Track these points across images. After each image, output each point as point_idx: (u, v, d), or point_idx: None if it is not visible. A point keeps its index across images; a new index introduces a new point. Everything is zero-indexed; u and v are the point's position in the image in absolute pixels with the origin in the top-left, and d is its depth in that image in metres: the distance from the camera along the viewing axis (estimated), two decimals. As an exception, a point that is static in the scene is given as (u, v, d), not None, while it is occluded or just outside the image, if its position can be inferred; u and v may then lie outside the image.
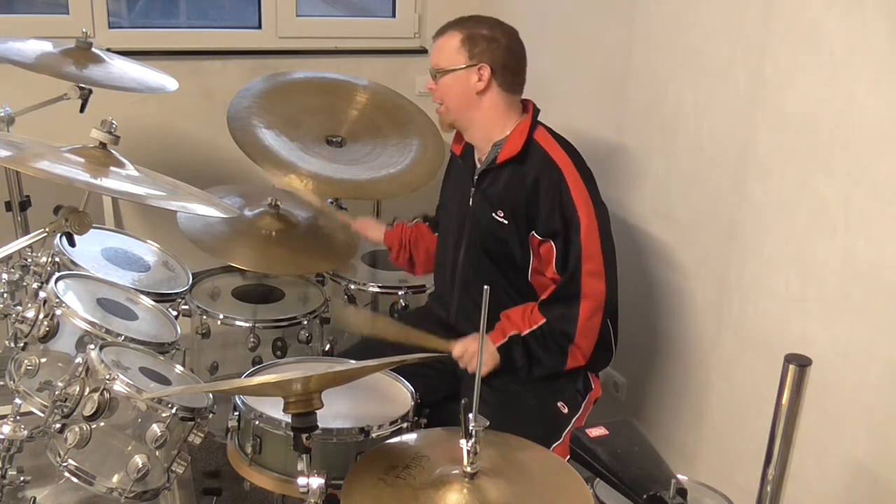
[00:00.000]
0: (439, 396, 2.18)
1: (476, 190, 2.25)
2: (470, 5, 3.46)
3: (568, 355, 2.14)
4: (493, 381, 2.14)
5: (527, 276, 2.21)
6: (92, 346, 1.73)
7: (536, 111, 2.24)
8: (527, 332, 2.14)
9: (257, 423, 1.79)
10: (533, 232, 2.14)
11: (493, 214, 2.19)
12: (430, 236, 2.56)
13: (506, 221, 2.18)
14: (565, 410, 2.17)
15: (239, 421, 1.83)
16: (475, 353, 2.09)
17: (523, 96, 2.26)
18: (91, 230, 1.86)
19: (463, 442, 1.45)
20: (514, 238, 2.18)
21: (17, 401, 1.83)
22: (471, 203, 2.26)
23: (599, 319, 2.13)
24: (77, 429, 1.66)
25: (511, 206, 2.17)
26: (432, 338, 2.15)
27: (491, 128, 2.22)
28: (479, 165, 2.26)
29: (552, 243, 2.11)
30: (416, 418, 1.89)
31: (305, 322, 2.56)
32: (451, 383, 2.24)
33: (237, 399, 1.83)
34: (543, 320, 2.13)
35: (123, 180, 1.83)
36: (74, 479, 1.70)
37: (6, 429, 1.82)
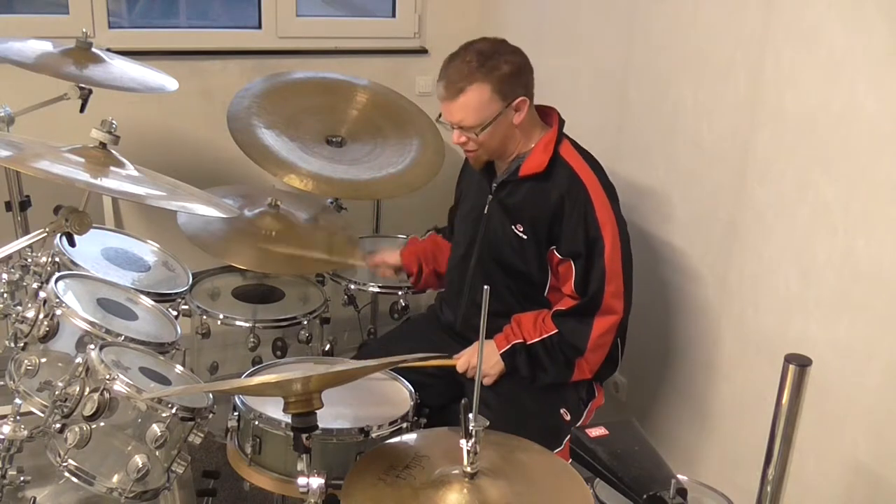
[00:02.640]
0: (443, 401, 2.17)
1: (493, 198, 2.22)
2: (470, 6, 3.47)
3: (574, 368, 2.14)
4: (497, 387, 2.14)
5: (543, 291, 2.20)
6: (92, 346, 1.73)
7: (561, 123, 2.19)
8: (535, 340, 2.13)
9: (257, 423, 1.79)
10: (554, 248, 2.12)
11: (513, 227, 2.16)
12: (447, 246, 2.50)
13: (525, 236, 2.15)
14: (568, 418, 2.17)
15: (239, 421, 1.83)
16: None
17: (548, 104, 2.23)
18: (91, 230, 1.86)
19: (463, 442, 1.45)
20: (533, 253, 2.15)
21: (17, 401, 1.83)
22: (486, 211, 2.23)
23: (612, 337, 2.13)
24: (77, 429, 1.65)
25: (532, 221, 2.14)
26: (435, 359, 2.13)
27: (519, 145, 2.17)
28: (497, 173, 2.23)
29: (572, 263, 2.09)
30: (415, 418, 1.89)
31: (305, 322, 2.56)
32: (453, 389, 2.23)
33: (237, 399, 1.83)
34: (555, 330, 2.12)
35: (123, 180, 1.83)
36: (74, 479, 1.70)
37: (6, 429, 1.82)
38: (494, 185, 2.22)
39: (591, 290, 2.09)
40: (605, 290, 2.08)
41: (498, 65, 2.06)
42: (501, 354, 2.14)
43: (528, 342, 2.13)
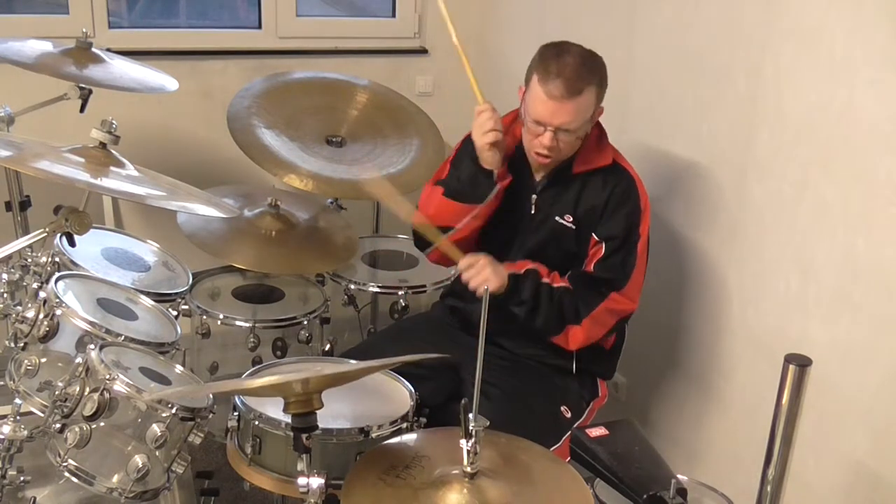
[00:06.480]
0: (441, 399, 2.17)
1: (540, 197, 2.16)
2: (470, 6, 3.47)
3: (563, 331, 2.11)
4: (499, 381, 2.13)
5: None
6: (92, 346, 1.73)
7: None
8: (546, 280, 2.10)
9: (257, 423, 1.79)
10: (593, 233, 2.12)
11: (558, 219, 2.14)
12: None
13: (573, 226, 2.13)
14: (568, 415, 2.16)
15: (239, 421, 1.83)
16: (482, 267, 2.04)
17: None
18: (91, 230, 1.86)
19: (463, 442, 1.45)
20: (580, 241, 2.14)
21: (17, 401, 1.82)
22: (533, 211, 2.17)
23: (615, 322, 2.13)
24: (77, 429, 1.65)
25: (582, 212, 2.12)
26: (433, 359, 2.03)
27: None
28: (542, 175, 2.16)
29: (603, 245, 2.10)
30: (416, 418, 1.89)
31: (305, 322, 2.56)
32: (452, 386, 2.23)
33: (237, 399, 1.83)
34: (567, 285, 2.10)
35: (123, 180, 1.83)
36: (74, 479, 1.70)
37: (6, 429, 1.82)
38: (540, 184, 2.16)
39: (615, 273, 2.09)
40: (630, 279, 2.09)
41: (599, 68, 2.04)
42: (510, 274, 2.07)
43: (542, 278, 2.10)
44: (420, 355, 1.91)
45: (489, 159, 2.08)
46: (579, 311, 2.09)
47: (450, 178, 2.18)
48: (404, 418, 1.84)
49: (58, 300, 1.84)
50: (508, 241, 2.22)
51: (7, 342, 1.91)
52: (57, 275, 1.95)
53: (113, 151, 1.87)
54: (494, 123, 2.06)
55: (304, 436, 1.53)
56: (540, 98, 1.99)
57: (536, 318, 2.09)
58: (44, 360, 1.83)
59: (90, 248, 2.32)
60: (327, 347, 2.65)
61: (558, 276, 2.14)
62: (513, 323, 2.11)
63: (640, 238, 2.11)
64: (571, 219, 2.14)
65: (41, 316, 1.82)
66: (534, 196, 2.17)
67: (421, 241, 2.25)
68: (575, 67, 1.98)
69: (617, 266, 2.09)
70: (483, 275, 2.04)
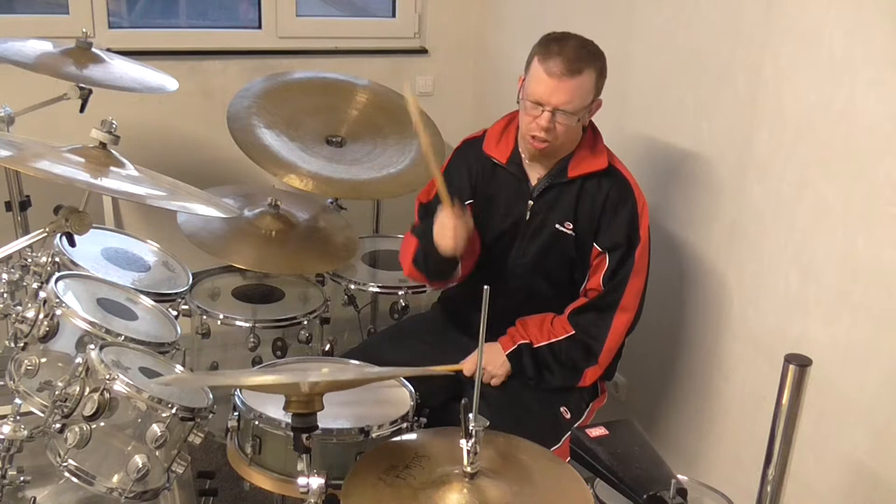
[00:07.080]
0: (442, 399, 2.17)
1: (536, 203, 2.16)
2: (470, 6, 3.47)
3: (583, 375, 2.15)
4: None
5: (577, 288, 2.18)
6: (92, 346, 1.73)
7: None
8: (543, 343, 2.13)
9: (257, 423, 1.79)
10: (595, 243, 2.12)
11: (558, 226, 2.14)
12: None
13: (574, 233, 2.13)
14: (568, 416, 2.16)
15: (239, 421, 1.83)
16: (487, 369, 2.10)
17: None
18: (91, 230, 1.86)
19: (463, 442, 1.45)
20: (580, 248, 2.14)
21: (17, 401, 1.83)
22: (528, 217, 2.17)
23: (623, 340, 2.15)
24: (77, 429, 1.66)
25: (581, 218, 2.12)
26: (441, 368, 2.11)
27: (571, 145, 2.14)
28: (538, 180, 2.16)
29: (607, 256, 2.10)
30: (416, 418, 1.89)
31: (305, 322, 2.56)
32: (453, 387, 2.22)
33: (237, 399, 1.83)
34: (568, 333, 2.12)
35: (123, 180, 1.83)
36: (74, 479, 1.70)
37: (6, 429, 1.82)
38: (536, 190, 2.15)
39: (617, 281, 2.10)
40: (628, 283, 2.10)
41: (599, 55, 2.05)
42: (507, 355, 2.13)
43: (535, 345, 2.13)
44: (427, 368, 1.93)
45: (447, 251, 2.07)
46: (591, 351, 2.13)
47: (417, 252, 2.22)
48: (404, 418, 1.84)
49: (58, 300, 1.84)
50: (507, 249, 2.21)
51: (7, 342, 1.91)
52: (57, 275, 1.95)
53: (113, 151, 1.87)
54: (454, 233, 2.04)
55: (304, 436, 1.53)
56: (540, 77, 1.99)
57: (551, 381, 2.15)
58: (44, 360, 1.83)
59: (90, 248, 2.32)
60: (327, 347, 2.65)
61: (556, 323, 2.15)
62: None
63: (640, 241, 2.11)
64: (571, 226, 2.14)
65: (41, 316, 1.82)
66: (530, 202, 2.16)
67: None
68: (575, 49, 2.00)
69: (625, 279, 2.10)
70: (492, 375, 2.13)
